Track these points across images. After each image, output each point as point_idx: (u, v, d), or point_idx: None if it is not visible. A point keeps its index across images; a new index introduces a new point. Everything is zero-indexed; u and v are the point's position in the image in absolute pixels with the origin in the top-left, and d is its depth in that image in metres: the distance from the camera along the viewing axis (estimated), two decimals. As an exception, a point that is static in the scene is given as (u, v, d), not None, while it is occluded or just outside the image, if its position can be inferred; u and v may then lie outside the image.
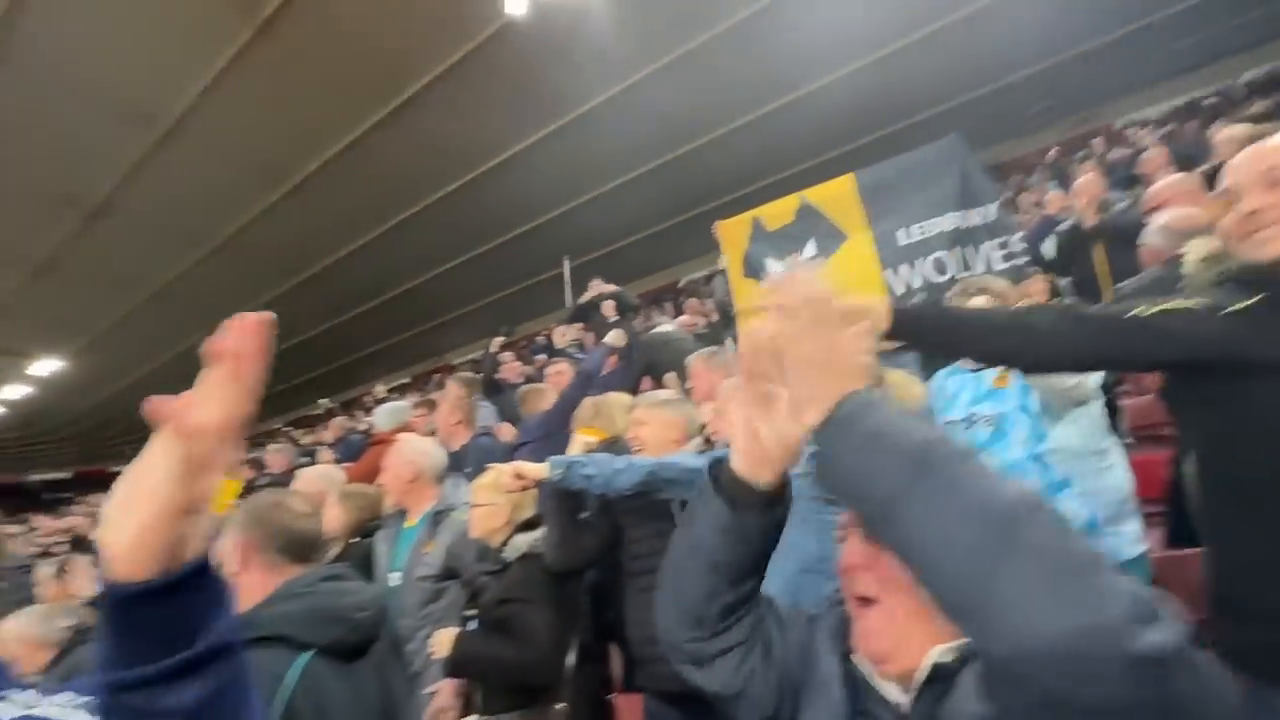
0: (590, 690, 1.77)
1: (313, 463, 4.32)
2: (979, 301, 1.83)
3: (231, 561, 1.26)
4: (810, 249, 3.23)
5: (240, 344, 0.48)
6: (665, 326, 3.86)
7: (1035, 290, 3.13)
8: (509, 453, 2.91)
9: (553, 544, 1.66)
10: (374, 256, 11.67)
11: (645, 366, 3.42)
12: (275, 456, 4.27)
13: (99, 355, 14.11)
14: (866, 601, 0.74)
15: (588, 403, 2.25)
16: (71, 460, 21.31)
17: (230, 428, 0.48)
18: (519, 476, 1.56)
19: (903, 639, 0.70)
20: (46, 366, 13.52)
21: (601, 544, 1.71)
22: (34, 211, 9.35)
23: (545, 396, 3.15)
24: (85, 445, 20.74)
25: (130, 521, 0.44)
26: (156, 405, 0.47)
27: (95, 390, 15.64)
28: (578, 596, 1.81)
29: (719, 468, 0.74)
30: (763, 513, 0.71)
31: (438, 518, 2.18)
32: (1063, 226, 3.69)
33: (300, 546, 1.31)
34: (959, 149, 2.99)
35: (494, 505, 1.80)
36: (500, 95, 8.56)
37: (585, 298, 4.56)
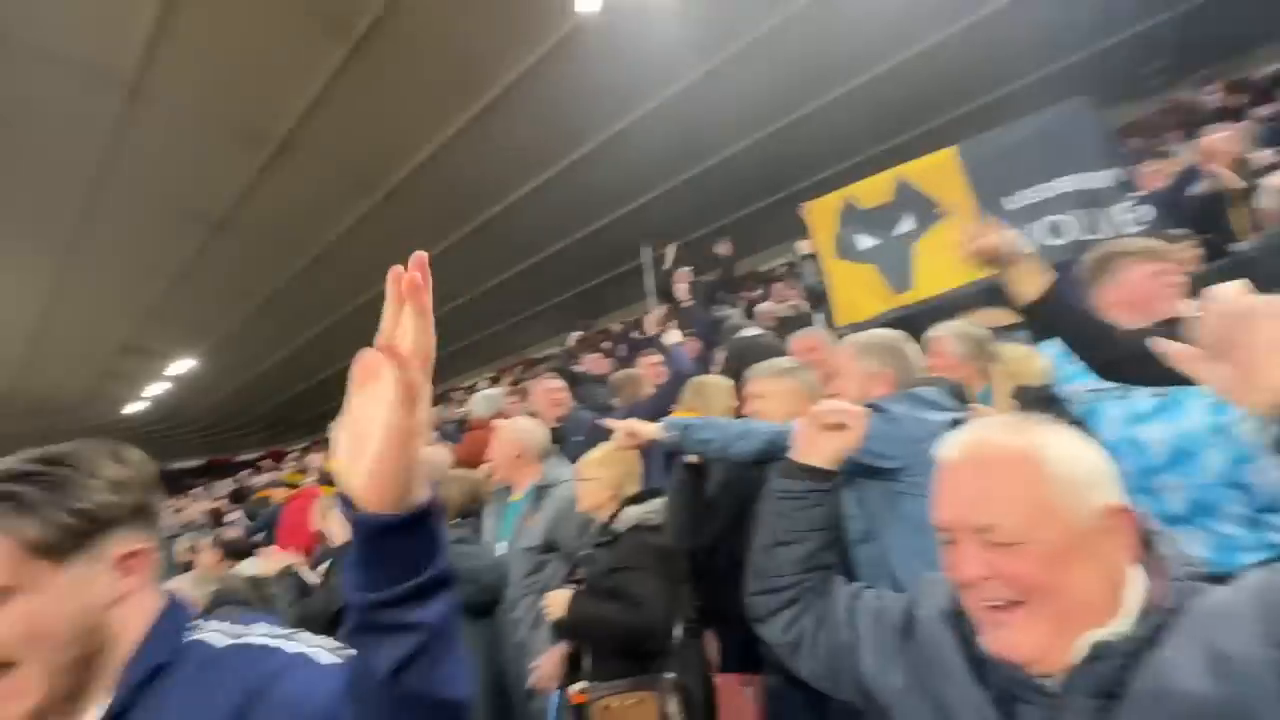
0: (697, 664, 1.78)
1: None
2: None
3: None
4: (907, 224, 3.10)
5: (412, 281, 0.57)
6: (748, 330, 3.79)
7: (1189, 256, 2.83)
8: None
9: (679, 525, 1.67)
10: (457, 257, 12.22)
11: (734, 373, 3.38)
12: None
13: (223, 356, 15.64)
14: (1001, 608, 0.71)
15: (689, 384, 2.27)
16: (202, 450, 23.77)
17: (428, 355, 0.58)
18: (632, 435, 1.57)
19: (1054, 639, 0.68)
20: (182, 365, 15.14)
21: (727, 525, 1.70)
22: (169, 226, 10.44)
23: (643, 383, 3.16)
24: (214, 436, 23.11)
25: (365, 454, 0.50)
26: (369, 355, 0.56)
27: (221, 387, 17.33)
28: (685, 572, 1.83)
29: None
30: (806, 483, 1.00)
31: (540, 492, 2.28)
32: (1198, 188, 3.34)
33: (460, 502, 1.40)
34: (1080, 110, 2.78)
35: (600, 480, 1.84)
36: (576, 92, 8.72)
37: (669, 271, 4.55)
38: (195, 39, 7.05)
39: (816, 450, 1.02)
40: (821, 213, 3.38)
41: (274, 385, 18.41)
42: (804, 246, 3.78)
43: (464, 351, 17.04)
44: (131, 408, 18.31)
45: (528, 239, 12.22)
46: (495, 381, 14.61)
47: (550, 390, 2.90)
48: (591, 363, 5.10)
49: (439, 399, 12.49)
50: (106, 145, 8.37)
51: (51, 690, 0.59)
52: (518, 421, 2.37)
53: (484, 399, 3.70)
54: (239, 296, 13.10)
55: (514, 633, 2.24)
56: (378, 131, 8.89)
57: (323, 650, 0.67)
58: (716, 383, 2.24)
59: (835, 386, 1.66)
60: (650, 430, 1.58)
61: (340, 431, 0.53)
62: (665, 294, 5.38)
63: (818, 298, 4.58)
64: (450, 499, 2.59)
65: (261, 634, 0.70)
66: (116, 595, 0.64)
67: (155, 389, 16.93)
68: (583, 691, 1.74)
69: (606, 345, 6.81)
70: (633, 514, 1.74)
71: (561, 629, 1.78)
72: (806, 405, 1.76)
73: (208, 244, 11.01)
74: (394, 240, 11.58)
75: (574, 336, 5.61)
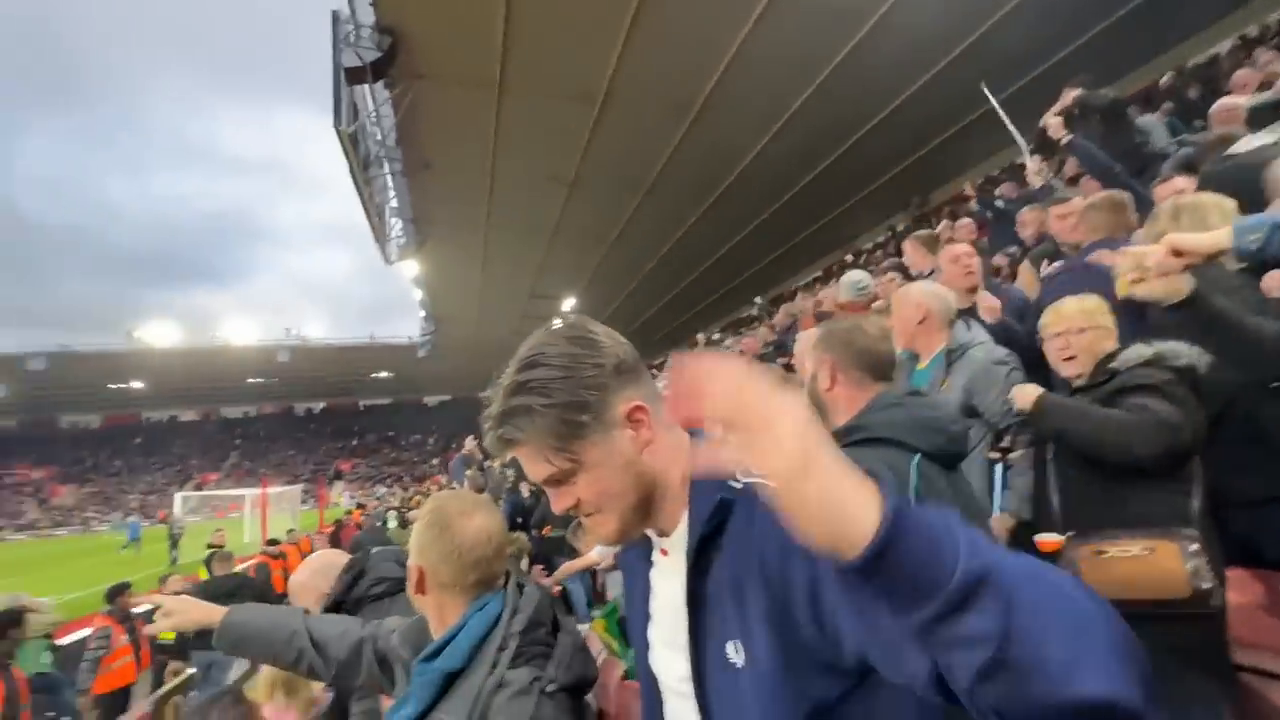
0: (1217, 543, 1.41)
1: (781, 347, 4.79)
2: None
3: (822, 378, 1.43)
4: None
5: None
6: (1248, 140, 2.63)
7: None
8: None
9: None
10: (772, 156, 11.96)
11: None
12: (748, 341, 4.90)
13: (593, 292, 18.94)
14: None
15: (1165, 207, 1.72)
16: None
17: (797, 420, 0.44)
18: (1178, 251, 1.21)
19: None
20: (569, 303, 18.90)
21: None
22: (540, 192, 12.80)
23: (1127, 209, 2.50)
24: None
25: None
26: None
27: (595, 318, 21.14)
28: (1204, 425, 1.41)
29: None
30: None
31: (950, 356, 2.10)
32: None
33: (880, 366, 1.39)
34: None
35: (1102, 329, 1.53)
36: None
37: (1054, 110, 3.52)
38: (531, 22, 8.22)
39: None
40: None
41: (631, 311, 21.57)
42: None
43: (790, 253, 16.95)
44: (543, 341, 23.88)
45: (843, 120, 11.19)
46: (823, 280, 14.19)
47: (958, 256, 2.51)
48: (959, 231, 4.40)
49: (775, 301, 12.79)
50: (490, 137, 10.63)
51: (625, 520, 0.75)
52: (921, 285, 2.18)
53: (849, 285, 3.55)
54: (596, 240, 15.51)
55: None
56: (682, 53, 9.08)
57: None
58: (1216, 202, 1.61)
59: None
60: (1205, 242, 1.18)
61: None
62: (1043, 144, 4.15)
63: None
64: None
65: None
66: (641, 444, 0.74)
67: (555, 325, 21.64)
68: (1058, 538, 1.43)
69: (973, 211, 5.79)
70: (1142, 352, 1.39)
71: (1031, 420, 1.56)
72: None
73: (567, 200, 13.22)
74: (710, 155, 11.94)
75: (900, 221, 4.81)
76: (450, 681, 1.04)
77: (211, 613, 1.42)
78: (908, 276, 3.84)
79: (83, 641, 5.77)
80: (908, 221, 13.27)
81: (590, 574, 5.19)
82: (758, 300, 12.54)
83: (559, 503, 0.76)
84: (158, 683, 5.23)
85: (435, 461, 36.95)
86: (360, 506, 18.13)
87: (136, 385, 38.62)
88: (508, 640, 1.05)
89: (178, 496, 24.60)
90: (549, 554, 4.41)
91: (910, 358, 2.17)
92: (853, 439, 1.29)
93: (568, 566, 2.80)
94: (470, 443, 9.69)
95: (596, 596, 5.22)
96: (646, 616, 0.84)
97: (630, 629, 0.90)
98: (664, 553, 0.81)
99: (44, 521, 33.22)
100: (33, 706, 3.62)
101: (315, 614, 1.50)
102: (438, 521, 1.13)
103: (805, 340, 2.35)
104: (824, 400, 1.44)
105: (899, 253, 7.40)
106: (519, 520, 5.19)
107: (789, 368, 3.86)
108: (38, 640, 4.67)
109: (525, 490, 5.64)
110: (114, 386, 38.45)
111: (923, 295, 2.07)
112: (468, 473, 6.78)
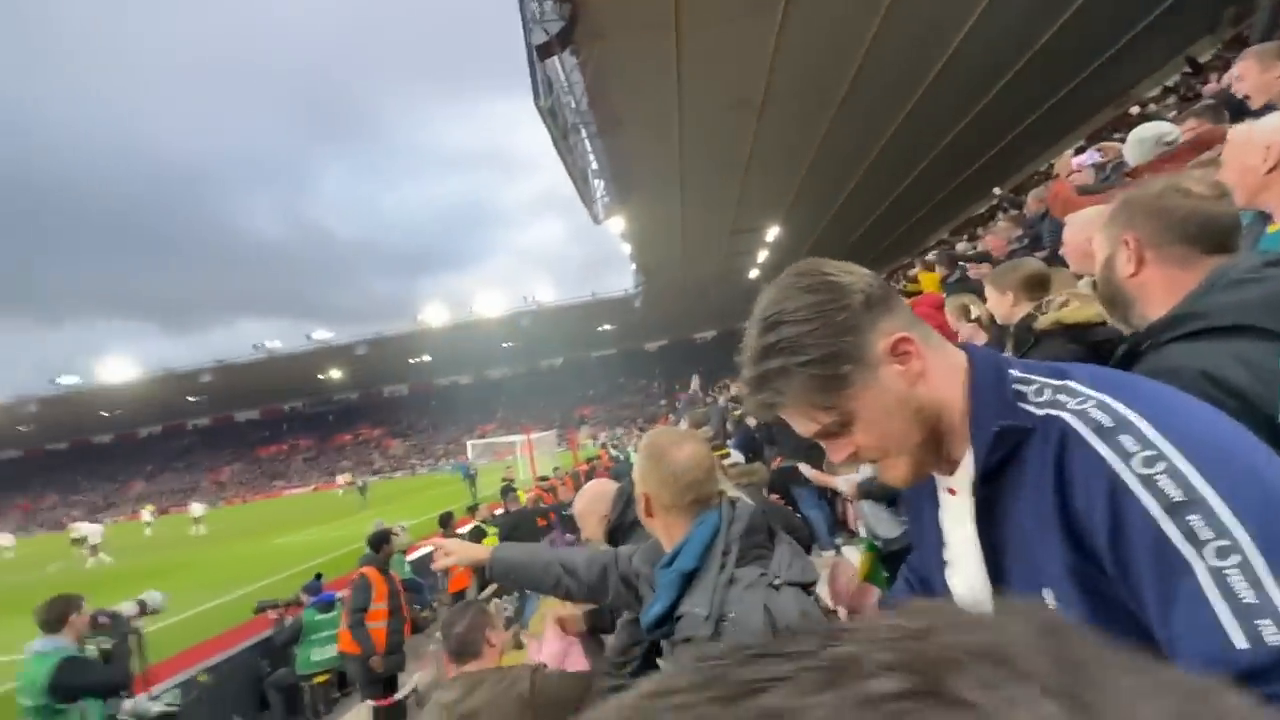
0: None
1: (1037, 241, 4.02)
2: None
3: (1123, 263, 1.16)
4: None
5: None
6: None
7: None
8: None
9: None
10: (998, 18, 9.78)
11: None
12: (993, 239, 4.21)
13: (795, 217, 17.98)
14: None
15: None
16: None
17: None
18: None
19: None
20: (772, 233, 18.30)
21: None
22: (728, 122, 12.28)
23: None
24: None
25: None
26: None
27: (802, 243, 20.06)
28: None
29: None
30: None
31: (1328, 213, 1.52)
32: None
33: (1213, 232, 1.07)
34: None
35: None
36: None
37: None
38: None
39: None
40: None
41: (842, 230, 20.03)
42: None
43: (1038, 124, 13.88)
44: (751, 274, 23.58)
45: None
46: (1083, 151, 11.43)
47: None
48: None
49: (1018, 190, 10.75)
50: (674, 78, 10.42)
51: (916, 460, 0.71)
52: (1271, 120, 1.59)
53: (1146, 141, 2.76)
54: (793, 161, 14.56)
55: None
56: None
57: None
58: None
59: None
60: None
61: None
62: None
63: None
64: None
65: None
66: (914, 377, 0.68)
67: (760, 256, 21.17)
68: None
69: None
70: None
71: None
72: None
73: (758, 125, 12.49)
74: (917, 35, 10.16)
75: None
76: (688, 581, 1.21)
77: (480, 551, 1.69)
78: (1233, 117, 2.87)
79: (429, 555, 7.65)
80: (1217, 47, 9.94)
81: (829, 502, 5.14)
82: (996, 191, 10.65)
83: (837, 454, 0.73)
84: (482, 587, 6.67)
85: (663, 403, 39.57)
86: (604, 447, 20.37)
87: (426, 358, 48.04)
88: (730, 544, 1.21)
89: (469, 444, 30.32)
90: (784, 484, 4.47)
91: (1257, 219, 1.62)
92: (1183, 331, 1.01)
93: (817, 476, 2.81)
94: (695, 381, 10.54)
95: (839, 524, 5.17)
96: (943, 562, 0.79)
97: (928, 574, 0.85)
98: (951, 492, 0.74)
99: (386, 468, 43.81)
100: (406, 602, 4.97)
101: (598, 534, 1.79)
102: (653, 454, 1.28)
103: (1086, 220, 1.91)
104: (1127, 290, 1.15)
105: (1199, 95, 5.60)
106: (749, 453, 5.32)
107: (1052, 259, 3.22)
108: (399, 554, 6.34)
109: (751, 421, 5.75)
110: (412, 361, 48.34)
111: (1274, 132, 1.51)
112: (692, 412, 7.16)
